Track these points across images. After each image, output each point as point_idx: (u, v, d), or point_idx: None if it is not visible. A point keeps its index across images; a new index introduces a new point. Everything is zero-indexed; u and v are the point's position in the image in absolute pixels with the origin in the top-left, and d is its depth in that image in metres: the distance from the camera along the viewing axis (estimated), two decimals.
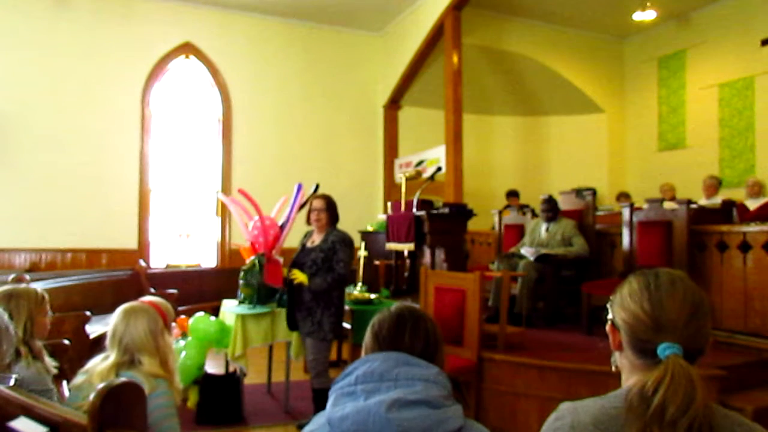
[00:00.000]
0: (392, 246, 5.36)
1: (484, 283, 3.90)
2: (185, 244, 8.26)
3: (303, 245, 3.93)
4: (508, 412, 3.74)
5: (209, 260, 8.29)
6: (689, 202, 4.56)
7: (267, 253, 4.30)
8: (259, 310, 4.21)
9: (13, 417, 1.45)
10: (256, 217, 4.42)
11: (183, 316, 4.31)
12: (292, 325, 3.89)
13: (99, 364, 2.03)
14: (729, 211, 5.36)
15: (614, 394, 1.07)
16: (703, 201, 6.34)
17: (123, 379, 1.62)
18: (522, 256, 5.09)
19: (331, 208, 3.87)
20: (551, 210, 5.22)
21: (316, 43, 8.79)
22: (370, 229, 6.60)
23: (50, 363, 2.28)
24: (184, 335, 4.11)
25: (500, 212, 6.49)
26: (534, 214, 5.95)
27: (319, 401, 3.67)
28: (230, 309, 4.28)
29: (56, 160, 7.24)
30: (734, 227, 4.34)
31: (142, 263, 6.97)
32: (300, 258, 3.84)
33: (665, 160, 8.60)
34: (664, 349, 1.00)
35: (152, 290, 5.99)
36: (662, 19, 8.32)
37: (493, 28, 8.44)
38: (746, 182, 6.42)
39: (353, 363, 1.20)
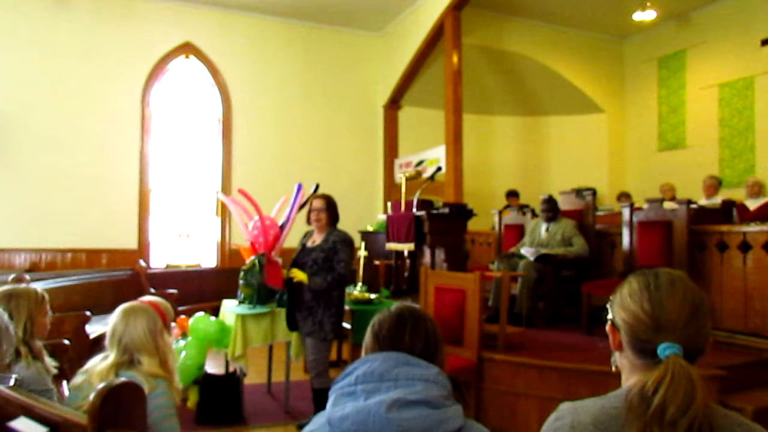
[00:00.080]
0: (392, 246, 5.36)
1: (484, 283, 3.90)
2: (185, 244, 8.26)
3: (303, 245, 3.93)
4: (508, 412, 3.74)
5: (209, 260, 8.29)
6: (689, 202, 4.56)
7: (267, 254, 4.30)
8: (259, 310, 4.20)
9: (13, 417, 1.45)
10: (256, 217, 4.42)
11: (183, 316, 4.31)
12: (292, 325, 3.89)
13: (98, 364, 2.03)
14: (729, 211, 5.36)
15: (614, 394, 1.07)
16: (703, 201, 6.34)
17: (123, 379, 1.62)
18: (522, 256, 5.09)
19: (330, 208, 3.87)
20: (551, 210, 5.22)
21: (316, 43, 8.79)
22: (370, 229, 6.60)
23: (50, 363, 2.28)
24: (184, 335, 4.11)
25: (500, 212, 6.49)
26: (534, 214, 5.95)
27: (319, 401, 3.67)
28: (230, 309, 4.28)
29: (56, 160, 7.24)
30: (734, 227, 4.34)
31: (142, 263, 6.98)
32: (300, 258, 3.84)
33: (665, 160, 8.60)
34: (664, 349, 1.00)
35: (152, 290, 5.99)
36: (662, 19, 8.32)
37: (493, 28, 8.44)
38: (746, 182, 6.42)
39: (353, 363, 1.20)
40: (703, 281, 4.23)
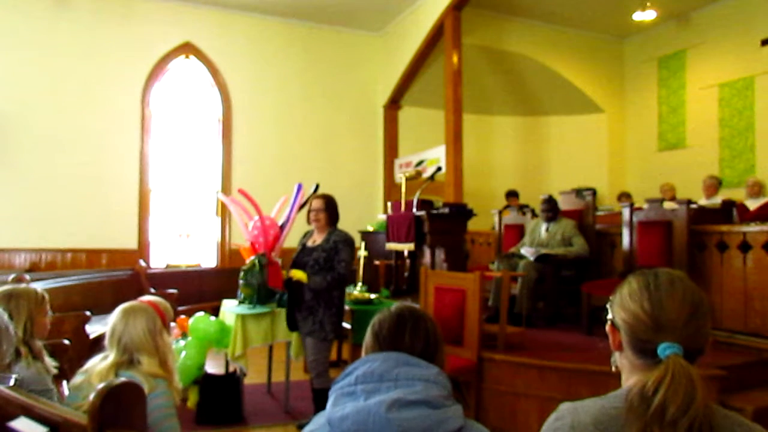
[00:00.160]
0: (392, 246, 5.36)
1: (484, 283, 3.90)
2: (185, 244, 8.26)
3: (303, 245, 3.93)
4: (508, 412, 3.74)
5: (209, 260, 8.29)
6: (689, 202, 4.56)
7: (267, 254, 4.30)
8: (259, 310, 4.20)
9: (13, 417, 1.45)
10: (256, 217, 4.42)
11: (183, 316, 4.31)
12: (292, 325, 3.88)
13: (98, 364, 2.03)
14: (729, 211, 5.36)
15: (614, 394, 1.07)
16: (703, 201, 6.34)
17: (122, 379, 1.62)
18: (522, 256, 5.09)
19: (330, 207, 3.86)
20: (551, 210, 5.22)
21: (316, 43, 8.79)
22: (370, 229, 6.60)
23: (50, 363, 2.27)
24: (184, 335, 4.10)
25: (500, 212, 6.49)
26: (534, 214, 5.95)
27: (319, 401, 3.67)
28: (230, 309, 4.28)
29: (56, 160, 7.24)
30: (734, 227, 4.34)
31: (142, 263, 6.98)
32: (301, 257, 3.84)
33: (665, 160, 8.60)
34: (664, 349, 1.00)
35: (152, 290, 5.99)
36: (662, 19, 8.32)
37: (493, 28, 8.44)
38: (746, 182, 6.42)
39: (353, 363, 1.20)
40: (703, 281, 4.23)
